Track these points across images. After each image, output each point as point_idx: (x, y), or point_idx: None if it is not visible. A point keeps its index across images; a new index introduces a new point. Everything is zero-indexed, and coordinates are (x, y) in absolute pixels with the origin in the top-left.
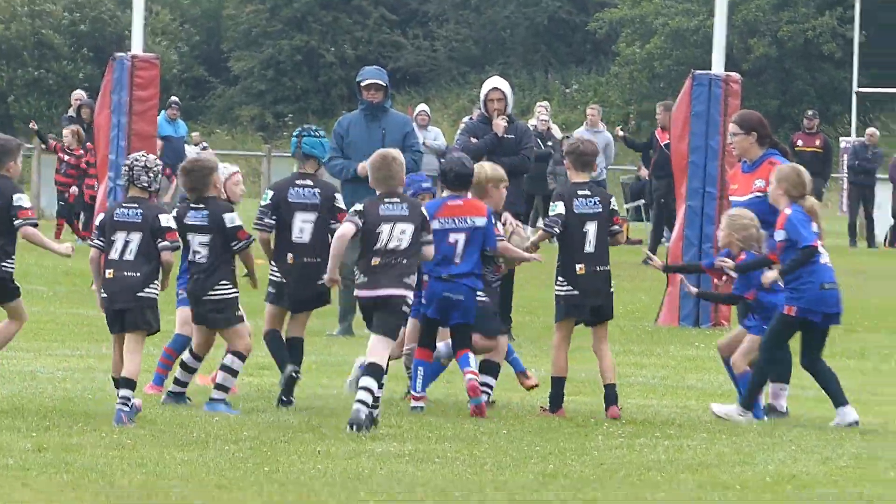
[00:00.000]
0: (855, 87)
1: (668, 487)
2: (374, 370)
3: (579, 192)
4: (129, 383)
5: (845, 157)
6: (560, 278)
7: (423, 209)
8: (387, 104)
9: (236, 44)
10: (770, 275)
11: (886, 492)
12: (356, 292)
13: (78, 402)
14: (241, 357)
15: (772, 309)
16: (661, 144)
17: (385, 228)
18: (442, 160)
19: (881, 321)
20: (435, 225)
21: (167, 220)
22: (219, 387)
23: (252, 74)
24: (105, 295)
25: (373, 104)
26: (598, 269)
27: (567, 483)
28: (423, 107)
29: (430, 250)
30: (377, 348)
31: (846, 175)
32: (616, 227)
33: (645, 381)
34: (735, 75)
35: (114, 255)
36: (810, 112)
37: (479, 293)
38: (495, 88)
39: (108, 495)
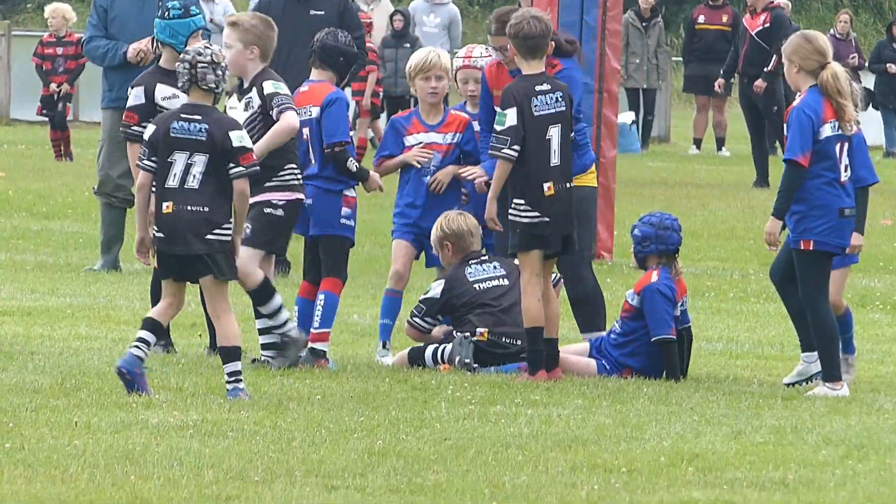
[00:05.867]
0: None
1: (532, 470)
2: None
3: (537, 88)
4: (230, 353)
5: None
6: (518, 201)
7: None
8: None
9: None
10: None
11: (816, 476)
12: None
13: None
14: None
15: None
16: (751, 32)
17: None
18: None
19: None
20: None
21: (240, 137)
22: None
23: None
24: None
25: None
26: (565, 185)
27: (400, 464)
28: None
29: None
30: None
31: None
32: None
33: None
34: None
35: (172, 181)
36: None
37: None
38: None
39: None
